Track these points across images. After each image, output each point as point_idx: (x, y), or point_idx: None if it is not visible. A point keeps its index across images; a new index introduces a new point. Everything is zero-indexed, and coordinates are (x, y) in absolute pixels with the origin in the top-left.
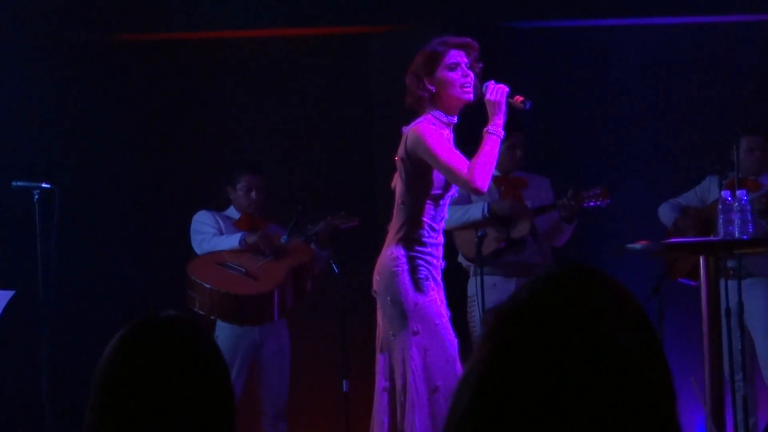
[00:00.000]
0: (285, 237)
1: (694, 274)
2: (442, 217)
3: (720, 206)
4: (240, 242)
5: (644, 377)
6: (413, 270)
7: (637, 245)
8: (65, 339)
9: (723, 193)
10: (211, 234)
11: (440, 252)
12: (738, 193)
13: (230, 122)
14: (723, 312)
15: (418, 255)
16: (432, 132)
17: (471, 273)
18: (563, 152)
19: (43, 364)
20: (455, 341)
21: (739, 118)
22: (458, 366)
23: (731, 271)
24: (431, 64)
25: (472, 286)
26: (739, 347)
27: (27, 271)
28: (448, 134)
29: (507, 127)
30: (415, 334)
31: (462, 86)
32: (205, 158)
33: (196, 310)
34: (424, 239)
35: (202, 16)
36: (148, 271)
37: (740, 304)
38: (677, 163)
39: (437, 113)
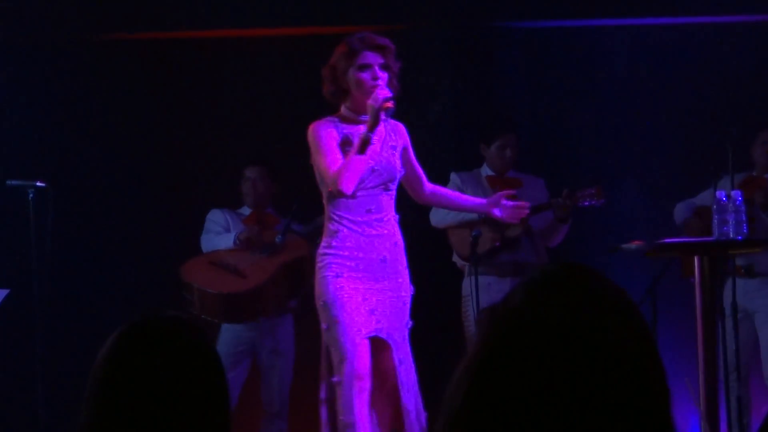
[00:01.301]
0: (280, 237)
1: None
2: (366, 207)
3: (714, 206)
4: (234, 241)
5: (639, 377)
6: (323, 268)
7: (632, 245)
8: (60, 338)
9: (718, 193)
10: (214, 233)
11: (370, 244)
12: (732, 193)
13: (229, 121)
14: (729, 312)
15: (332, 252)
16: (319, 129)
17: (465, 273)
18: (557, 152)
19: (38, 363)
20: (363, 342)
21: (734, 119)
22: (358, 363)
23: (743, 269)
24: (345, 62)
25: (467, 285)
26: (734, 347)
27: (21, 270)
28: (350, 131)
29: (497, 127)
30: (325, 331)
31: (371, 88)
32: (201, 158)
33: (192, 311)
34: (340, 234)
35: (201, 15)
36: (143, 270)
37: (734, 304)
38: (672, 163)
39: (346, 111)
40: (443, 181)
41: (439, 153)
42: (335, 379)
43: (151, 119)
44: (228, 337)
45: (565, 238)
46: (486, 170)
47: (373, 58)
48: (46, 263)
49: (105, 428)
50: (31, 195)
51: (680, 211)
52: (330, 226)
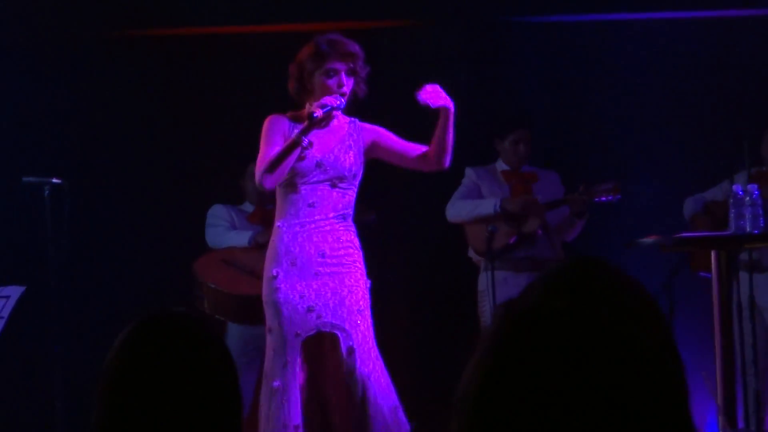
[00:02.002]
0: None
1: None
2: (309, 201)
3: (731, 200)
4: (250, 241)
5: (657, 372)
6: (266, 265)
7: (648, 239)
8: (76, 335)
9: (734, 187)
10: (223, 228)
11: (308, 239)
12: (749, 187)
13: (241, 117)
14: (735, 306)
15: (273, 249)
16: (270, 122)
17: (481, 268)
18: (572, 147)
19: (54, 359)
20: (295, 343)
21: (749, 114)
22: (296, 369)
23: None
24: (312, 64)
25: (483, 281)
26: (751, 342)
27: (37, 267)
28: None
29: (510, 122)
30: (267, 332)
31: (335, 94)
32: (215, 154)
33: (203, 308)
34: (280, 229)
35: (212, 12)
36: (158, 267)
37: (751, 297)
38: (688, 158)
39: (309, 108)
40: (458, 176)
41: (455, 148)
42: (276, 383)
43: (169, 116)
44: (236, 335)
45: (581, 233)
46: (501, 165)
47: (340, 65)
48: (62, 260)
49: (117, 424)
50: (47, 192)
51: (689, 206)
52: (276, 217)
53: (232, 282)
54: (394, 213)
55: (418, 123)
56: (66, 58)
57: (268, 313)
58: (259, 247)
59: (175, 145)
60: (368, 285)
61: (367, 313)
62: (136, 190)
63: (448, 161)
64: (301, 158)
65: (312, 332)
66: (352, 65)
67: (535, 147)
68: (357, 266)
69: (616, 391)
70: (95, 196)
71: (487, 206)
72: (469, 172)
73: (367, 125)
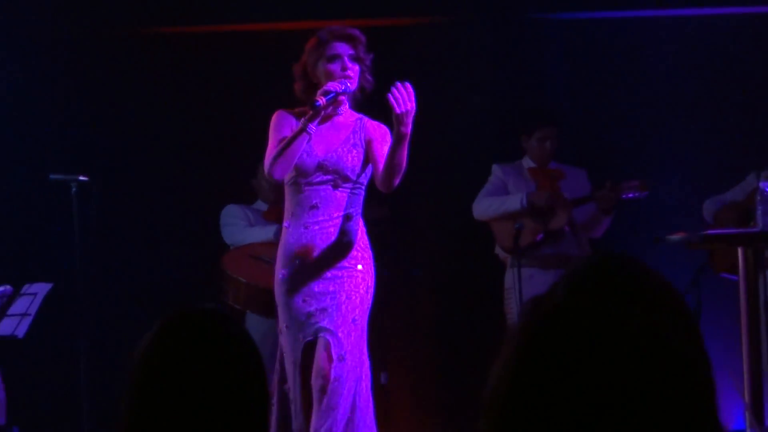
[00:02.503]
0: None
1: (737, 268)
2: (311, 203)
3: (758, 197)
4: (275, 235)
5: (684, 370)
6: (277, 269)
7: (675, 236)
8: (103, 332)
9: (761, 184)
10: (242, 226)
11: (311, 241)
12: None
13: (263, 115)
14: (762, 304)
15: (281, 249)
16: (278, 117)
17: (508, 265)
18: (599, 144)
19: (81, 356)
20: (297, 345)
21: None
22: (298, 370)
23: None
24: (314, 54)
25: (509, 278)
26: None
27: (64, 264)
28: (316, 125)
29: (537, 119)
30: (279, 333)
31: (340, 78)
32: (239, 152)
33: (230, 303)
34: (287, 230)
35: (235, 9)
36: (184, 263)
37: None
38: (715, 155)
39: None
40: (484, 173)
41: (481, 145)
42: (287, 385)
43: (194, 114)
44: (253, 329)
45: (608, 230)
46: (528, 162)
47: (342, 49)
48: (89, 257)
49: (145, 420)
50: (74, 189)
51: (709, 207)
52: (286, 221)
53: (264, 276)
54: (421, 210)
55: (444, 120)
56: (93, 56)
57: (280, 314)
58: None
59: (202, 143)
60: (371, 290)
61: (362, 323)
62: (162, 187)
63: (396, 183)
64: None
65: (309, 338)
66: (354, 51)
67: (562, 144)
68: (359, 270)
69: (643, 389)
70: (121, 193)
71: (514, 201)
72: (496, 169)
73: (373, 124)
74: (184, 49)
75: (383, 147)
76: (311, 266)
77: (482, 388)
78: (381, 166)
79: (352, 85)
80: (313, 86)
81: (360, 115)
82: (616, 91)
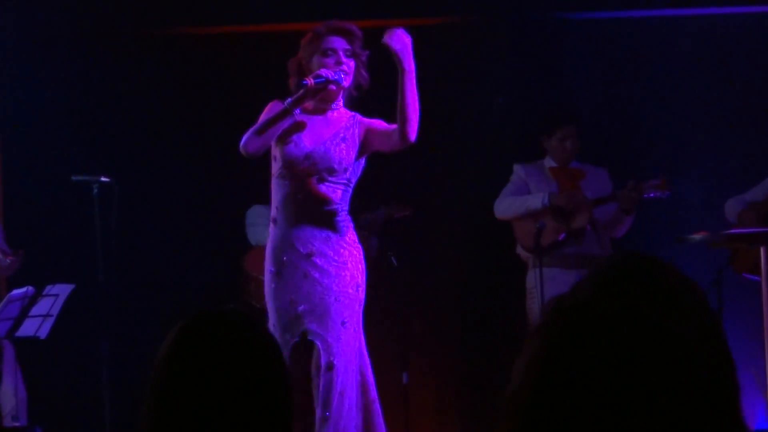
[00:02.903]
0: None
1: (759, 268)
2: (296, 194)
3: None
4: None
5: (708, 370)
6: (266, 265)
7: (697, 236)
8: (124, 332)
9: None
10: (265, 225)
11: (298, 236)
12: None
13: None
14: None
15: (270, 245)
16: (268, 107)
17: (530, 265)
18: (621, 143)
19: (103, 356)
20: (285, 345)
21: None
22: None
23: None
24: (308, 49)
25: (531, 278)
26: None
27: (86, 265)
28: (307, 118)
29: (557, 119)
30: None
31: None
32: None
33: (252, 303)
34: (275, 225)
35: (255, 10)
36: (206, 264)
37: None
38: (737, 154)
39: (312, 101)
40: (506, 173)
41: (502, 144)
42: None
43: (216, 114)
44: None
45: (630, 230)
46: (549, 162)
47: (338, 43)
48: (110, 258)
49: (168, 421)
50: (95, 190)
51: (732, 206)
52: (273, 215)
53: None
54: (443, 210)
55: (465, 119)
56: (116, 57)
57: (269, 312)
58: None
59: (222, 143)
60: (362, 287)
61: (351, 325)
62: (184, 188)
63: (412, 134)
64: (288, 142)
65: (296, 338)
66: (350, 46)
67: (584, 143)
68: (348, 268)
69: (667, 389)
70: (143, 194)
71: (536, 200)
72: (518, 169)
73: (366, 119)
74: (206, 49)
75: (381, 123)
76: (298, 263)
77: (503, 388)
78: (391, 127)
79: (347, 80)
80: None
81: (354, 113)
82: (638, 90)
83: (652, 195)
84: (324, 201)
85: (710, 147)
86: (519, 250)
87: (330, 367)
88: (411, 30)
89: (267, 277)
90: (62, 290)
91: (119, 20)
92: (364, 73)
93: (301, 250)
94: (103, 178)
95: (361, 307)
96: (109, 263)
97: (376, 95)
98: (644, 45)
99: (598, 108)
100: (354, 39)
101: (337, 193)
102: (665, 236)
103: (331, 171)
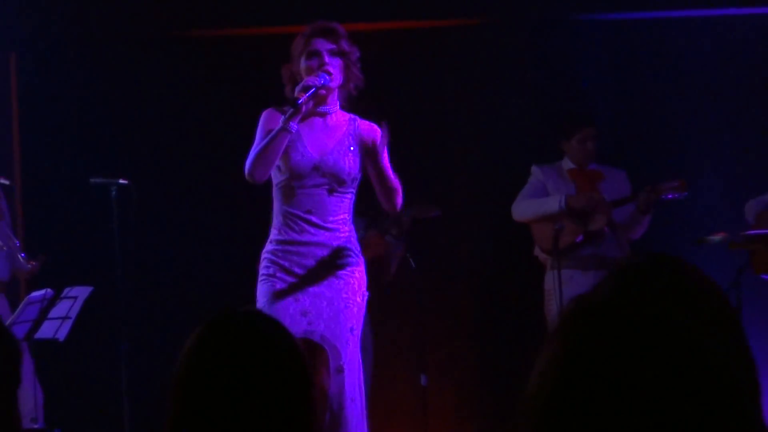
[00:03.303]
0: (361, 233)
1: None
2: (306, 207)
3: None
4: None
5: (729, 371)
6: (261, 265)
7: (717, 236)
8: (143, 334)
9: None
10: None
11: (306, 246)
12: None
13: None
14: None
15: (270, 249)
16: (264, 117)
17: (548, 266)
18: (639, 145)
19: (122, 358)
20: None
21: None
22: None
23: None
24: (296, 53)
25: (549, 279)
26: None
27: (105, 267)
28: (312, 123)
29: (576, 121)
30: None
31: (319, 73)
32: None
33: None
34: (278, 230)
35: (275, 12)
36: (224, 266)
37: None
38: (756, 155)
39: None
40: (524, 174)
41: (520, 146)
42: None
43: (235, 117)
44: None
45: (648, 231)
46: (567, 163)
47: (320, 44)
48: (129, 260)
49: (189, 419)
50: (114, 192)
51: (751, 207)
52: (273, 220)
53: None
54: (460, 212)
55: (483, 121)
56: (133, 59)
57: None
58: None
59: (242, 145)
60: (365, 297)
61: (358, 332)
62: (202, 190)
63: (398, 202)
64: (294, 151)
65: (300, 335)
66: (334, 45)
67: (602, 145)
68: (355, 277)
69: (687, 389)
70: (161, 196)
71: (552, 204)
72: (536, 171)
73: (367, 126)
74: (225, 52)
75: (383, 154)
76: (305, 270)
77: (522, 390)
78: (376, 185)
79: (334, 80)
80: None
81: (352, 116)
82: (656, 91)
83: (670, 196)
84: (336, 212)
85: (729, 148)
86: (537, 251)
87: (340, 370)
88: (429, 32)
89: (263, 283)
90: (81, 292)
91: (139, 23)
92: (356, 71)
93: (309, 258)
94: (121, 181)
95: (363, 314)
96: (127, 265)
97: (395, 99)
98: (662, 46)
99: (616, 109)
100: (338, 38)
101: (345, 203)
102: (684, 237)
103: (341, 182)
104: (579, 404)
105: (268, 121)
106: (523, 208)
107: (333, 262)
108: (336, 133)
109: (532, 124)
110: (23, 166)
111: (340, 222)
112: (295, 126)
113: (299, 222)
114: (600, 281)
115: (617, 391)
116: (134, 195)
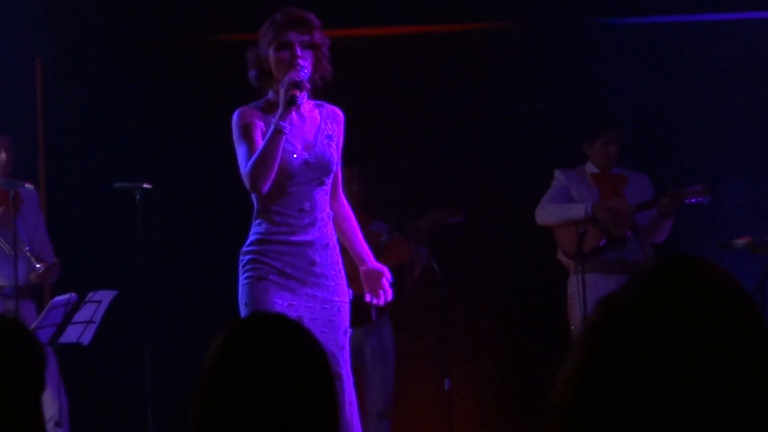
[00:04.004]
0: (385, 236)
1: None
2: (299, 206)
3: None
4: None
5: (754, 373)
6: (245, 269)
7: (740, 240)
8: (168, 338)
9: None
10: None
11: (299, 247)
12: None
13: None
14: None
15: (255, 252)
16: (240, 117)
17: (571, 271)
18: (662, 149)
19: (146, 362)
20: None
21: None
22: None
23: None
24: (265, 39)
25: (573, 284)
26: None
27: (129, 271)
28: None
29: (599, 125)
30: None
31: (289, 69)
32: None
33: None
34: (266, 232)
35: None
36: None
37: None
38: None
39: (273, 96)
40: (547, 178)
41: (543, 150)
42: None
43: None
44: None
45: (671, 235)
46: (590, 167)
47: (293, 36)
48: (153, 264)
49: (215, 422)
50: (138, 197)
51: None
52: (256, 221)
53: None
54: (484, 216)
55: (506, 125)
56: (157, 63)
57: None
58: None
59: None
60: (350, 296)
61: (349, 333)
62: (226, 194)
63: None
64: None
65: None
66: (308, 37)
67: (625, 149)
68: (341, 276)
69: (713, 392)
70: (185, 200)
71: (578, 210)
72: (559, 175)
73: (332, 110)
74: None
75: (339, 143)
76: (298, 273)
77: (546, 394)
78: (337, 185)
79: (306, 73)
80: (265, 73)
81: (318, 101)
82: (678, 95)
83: (693, 200)
84: (324, 206)
85: (752, 151)
86: (560, 255)
87: (338, 377)
88: (451, 36)
89: (254, 286)
90: (105, 296)
91: (163, 28)
92: (326, 64)
93: (302, 259)
94: (145, 185)
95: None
96: (151, 269)
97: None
98: (685, 50)
99: (639, 113)
100: (312, 29)
101: (327, 196)
102: (708, 241)
103: (328, 173)
104: (605, 410)
105: (249, 122)
106: (547, 213)
107: (323, 261)
108: (312, 124)
109: (555, 128)
110: (48, 170)
111: (327, 217)
112: (288, 126)
113: (291, 221)
114: (624, 285)
115: (644, 396)
116: (158, 199)
